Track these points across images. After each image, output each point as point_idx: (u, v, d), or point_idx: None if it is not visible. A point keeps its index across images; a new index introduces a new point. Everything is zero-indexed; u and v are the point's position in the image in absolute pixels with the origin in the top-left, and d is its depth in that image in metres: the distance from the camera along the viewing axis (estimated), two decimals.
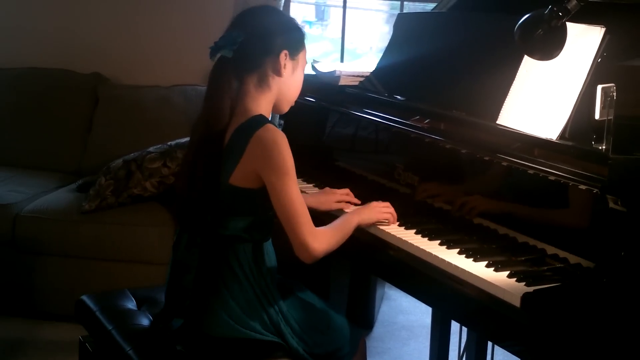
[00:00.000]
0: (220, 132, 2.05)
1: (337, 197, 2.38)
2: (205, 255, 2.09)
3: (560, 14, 1.85)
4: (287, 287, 2.21)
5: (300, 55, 2.16)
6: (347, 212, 2.21)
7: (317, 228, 2.04)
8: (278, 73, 2.10)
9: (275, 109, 2.17)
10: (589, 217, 1.78)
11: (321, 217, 2.26)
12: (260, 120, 2.04)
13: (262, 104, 2.10)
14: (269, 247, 2.14)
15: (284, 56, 2.09)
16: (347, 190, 2.40)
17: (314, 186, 2.58)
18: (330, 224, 2.12)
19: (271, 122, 2.06)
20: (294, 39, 2.14)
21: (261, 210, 2.08)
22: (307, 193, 2.41)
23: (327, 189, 2.44)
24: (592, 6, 1.88)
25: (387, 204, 2.22)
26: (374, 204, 2.22)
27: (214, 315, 2.05)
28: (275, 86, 2.11)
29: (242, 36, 2.05)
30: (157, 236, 3.45)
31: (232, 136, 2.05)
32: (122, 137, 4.07)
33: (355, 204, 2.36)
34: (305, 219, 2.00)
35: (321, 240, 2.02)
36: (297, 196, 2.00)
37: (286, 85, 2.14)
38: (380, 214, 2.19)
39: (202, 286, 2.08)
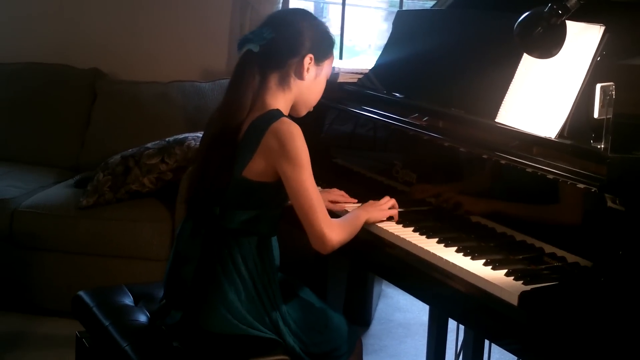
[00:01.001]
0: (238, 125, 2.06)
1: (331, 196, 2.38)
2: (207, 247, 2.09)
3: (560, 12, 1.84)
4: (286, 285, 2.21)
5: (326, 62, 2.18)
6: (355, 209, 2.21)
7: (333, 219, 2.06)
8: (300, 76, 2.12)
9: (292, 110, 2.18)
10: (587, 216, 1.78)
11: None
12: (276, 114, 2.06)
13: (281, 102, 2.12)
14: (274, 242, 2.15)
15: (308, 60, 2.11)
16: (342, 192, 2.41)
17: None
18: (341, 218, 2.14)
19: (287, 117, 2.07)
20: (321, 44, 2.15)
21: (270, 205, 2.09)
22: None
23: (323, 189, 2.44)
24: (591, 4, 1.88)
25: (390, 201, 2.22)
26: (380, 203, 2.21)
27: (212, 309, 2.05)
28: (295, 88, 2.13)
29: (271, 34, 2.08)
30: (154, 232, 3.45)
31: (248, 129, 2.06)
32: (120, 133, 4.07)
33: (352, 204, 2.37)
34: (321, 210, 2.02)
35: (337, 231, 2.04)
36: (313, 187, 2.01)
37: (307, 89, 2.15)
38: (386, 212, 2.19)
39: (202, 278, 2.09)
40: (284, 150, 1.99)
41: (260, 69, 2.10)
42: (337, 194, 2.40)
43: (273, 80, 2.11)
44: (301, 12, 2.24)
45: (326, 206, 2.32)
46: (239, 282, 2.06)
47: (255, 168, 2.03)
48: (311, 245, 2.05)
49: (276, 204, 2.10)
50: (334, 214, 2.28)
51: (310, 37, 2.12)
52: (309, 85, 2.15)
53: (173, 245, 2.20)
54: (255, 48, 2.07)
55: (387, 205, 2.21)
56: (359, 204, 2.34)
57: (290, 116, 2.13)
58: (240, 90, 2.08)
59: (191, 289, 2.10)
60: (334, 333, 2.17)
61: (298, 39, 2.11)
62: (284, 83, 2.11)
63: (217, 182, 2.07)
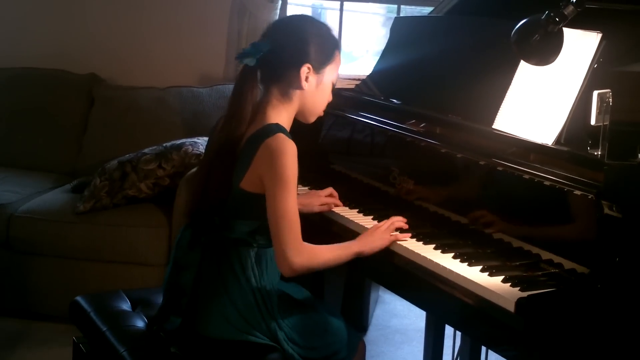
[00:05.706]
0: (238, 137, 2.07)
1: (320, 199, 2.38)
2: (207, 256, 2.09)
3: (557, 19, 1.85)
4: (285, 290, 2.20)
5: (327, 68, 2.13)
6: (352, 241, 2.13)
7: (305, 244, 2.01)
8: (299, 86, 2.09)
9: (301, 117, 2.17)
10: (583, 223, 1.78)
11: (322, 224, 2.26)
12: (274, 128, 2.04)
13: (283, 114, 2.10)
14: (272, 253, 2.13)
15: (305, 69, 2.08)
16: (330, 190, 2.40)
17: (309, 189, 2.57)
18: (328, 245, 2.09)
19: (285, 132, 2.05)
20: (321, 52, 2.11)
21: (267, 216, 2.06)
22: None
23: (312, 191, 2.43)
24: (588, 12, 1.88)
25: (394, 223, 2.15)
26: (379, 230, 2.12)
27: (210, 316, 2.06)
28: (296, 98, 2.11)
29: (267, 46, 2.07)
30: (151, 237, 3.45)
31: (247, 142, 2.06)
32: (117, 138, 4.07)
33: (337, 205, 2.38)
34: (293, 233, 1.98)
35: (304, 256, 1.99)
36: (291, 208, 1.98)
37: (309, 98, 2.13)
38: (385, 241, 2.10)
39: (201, 286, 2.09)
40: (271, 165, 1.98)
41: (262, 82, 2.11)
42: (326, 192, 2.39)
43: (275, 92, 2.10)
44: (300, 20, 2.20)
45: (311, 210, 2.33)
46: (238, 291, 2.05)
47: (251, 180, 2.03)
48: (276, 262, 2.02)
49: None
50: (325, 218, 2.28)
51: (307, 47, 2.08)
52: (311, 95, 2.12)
53: (172, 252, 2.20)
54: (251, 62, 2.06)
55: (388, 232, 2.11)
56: (346, 208, 2.33)
57: (298, 122, 2.12)
58: (239, 105, 2.08)
59: (190, 296, 2.10)
60: (333, 337, 2.16)
61: (294, 50, 2.08)
62: (284, 95, 2.10)
63: (218, 193, 2.07)
